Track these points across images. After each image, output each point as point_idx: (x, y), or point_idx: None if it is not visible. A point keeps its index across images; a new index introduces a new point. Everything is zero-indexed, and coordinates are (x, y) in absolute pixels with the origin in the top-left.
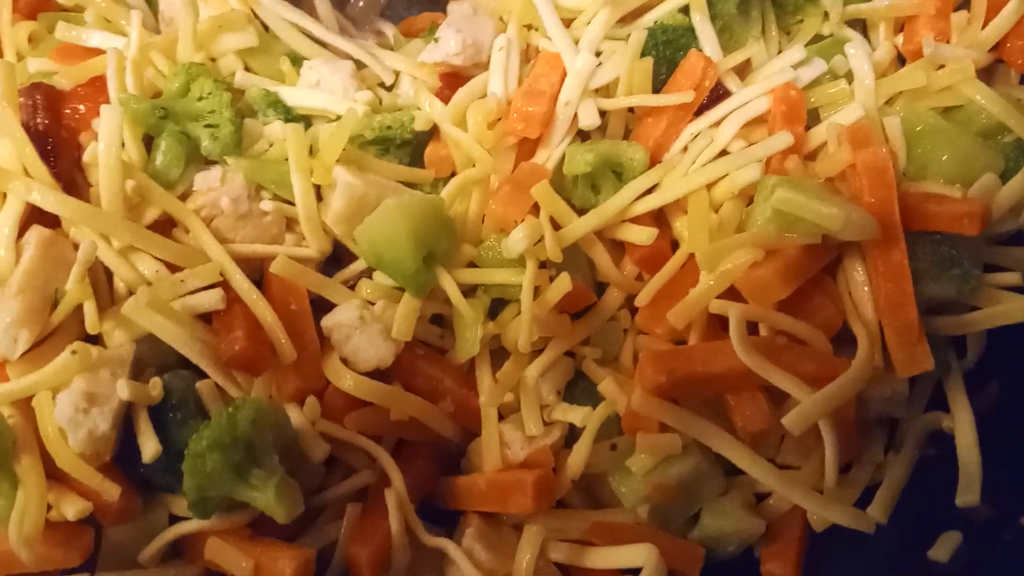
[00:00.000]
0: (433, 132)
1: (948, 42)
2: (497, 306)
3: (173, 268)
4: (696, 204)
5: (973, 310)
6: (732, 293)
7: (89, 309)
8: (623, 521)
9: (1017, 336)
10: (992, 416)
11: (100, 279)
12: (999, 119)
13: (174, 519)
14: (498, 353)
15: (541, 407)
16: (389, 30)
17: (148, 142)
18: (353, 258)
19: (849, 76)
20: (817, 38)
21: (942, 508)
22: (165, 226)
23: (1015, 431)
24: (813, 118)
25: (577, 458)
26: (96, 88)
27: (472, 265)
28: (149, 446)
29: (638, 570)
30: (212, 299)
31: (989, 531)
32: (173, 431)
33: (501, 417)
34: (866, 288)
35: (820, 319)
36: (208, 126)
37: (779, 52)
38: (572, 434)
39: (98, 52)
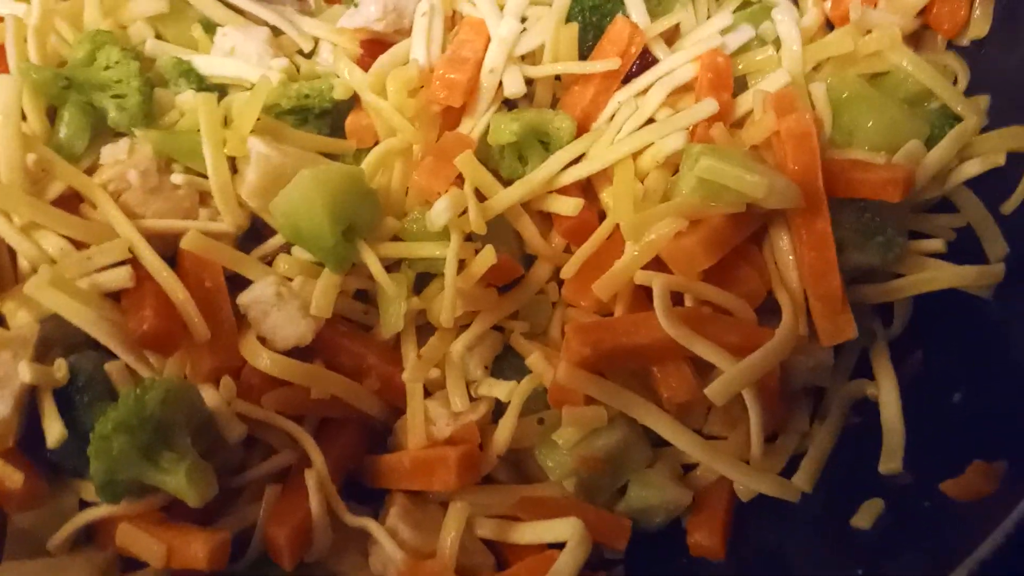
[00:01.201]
0: (354, 101)
1: (875, 7)
2: (423, 280)
3: (80, 245)
4: (621, 174)
5: (898, 277)
6: (658, 264)
7: None
8: (550, 495)
9: (941, 304)
10: (915, 384)
11: (2, 257)
12: (925, 85)
13: (85, 505)
14: (426, 328)
15: (469, 383)
16: None
17: (52, 114)
18: (274, 234)
19: (777, 43)
20: (745, 4)
21: (865, 476)
22: (71, 201)
23: (937, 398)
24: (741, 85)
25: (503, 433)
26: None
27: (396, 238)
28: (54, 430)
29: (565, 544)
30: (120, 277)
31: (910, 497)
32: (81, 414)
33: (428, 394)
34: (791, 257)
35: (745, 289)
36: (115, 96)
37: (708, 18)
38: (500, 409)
39: None
